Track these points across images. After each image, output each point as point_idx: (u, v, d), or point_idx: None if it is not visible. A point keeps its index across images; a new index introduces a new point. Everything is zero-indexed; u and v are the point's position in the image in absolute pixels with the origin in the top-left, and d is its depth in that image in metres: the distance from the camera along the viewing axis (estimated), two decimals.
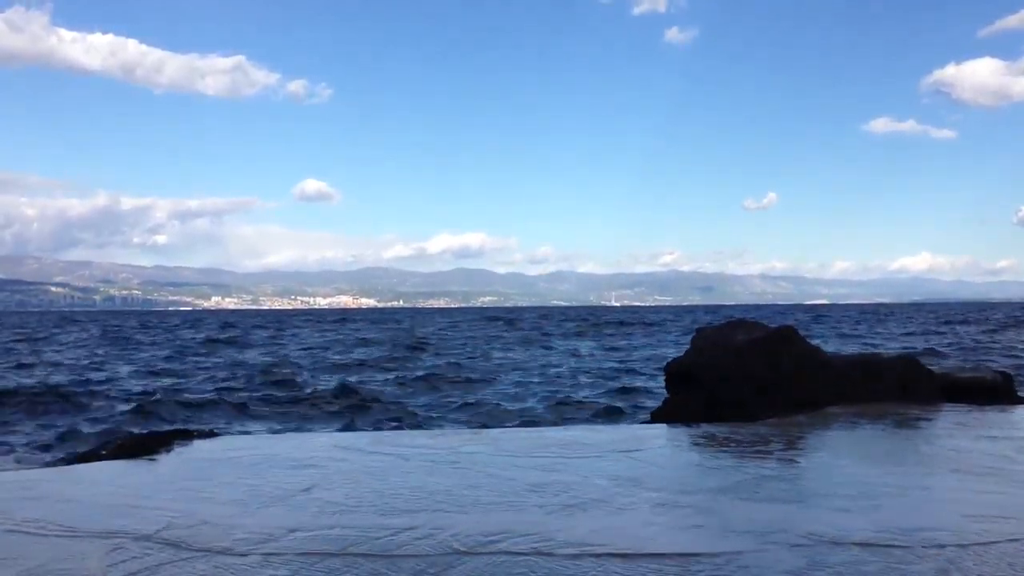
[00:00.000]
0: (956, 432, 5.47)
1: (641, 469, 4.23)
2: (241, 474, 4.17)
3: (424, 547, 2.88)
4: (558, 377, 16.98)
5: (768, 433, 5.32)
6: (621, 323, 49.19)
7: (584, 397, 13.45)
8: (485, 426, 9.93)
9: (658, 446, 5.14)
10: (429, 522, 3.19)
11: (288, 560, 2.75)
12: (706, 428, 5.63)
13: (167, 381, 16.86)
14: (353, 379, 16.48)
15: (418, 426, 10.93)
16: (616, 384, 15.14)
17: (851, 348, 22.15)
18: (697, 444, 5.17)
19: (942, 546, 2.85)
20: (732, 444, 4.97)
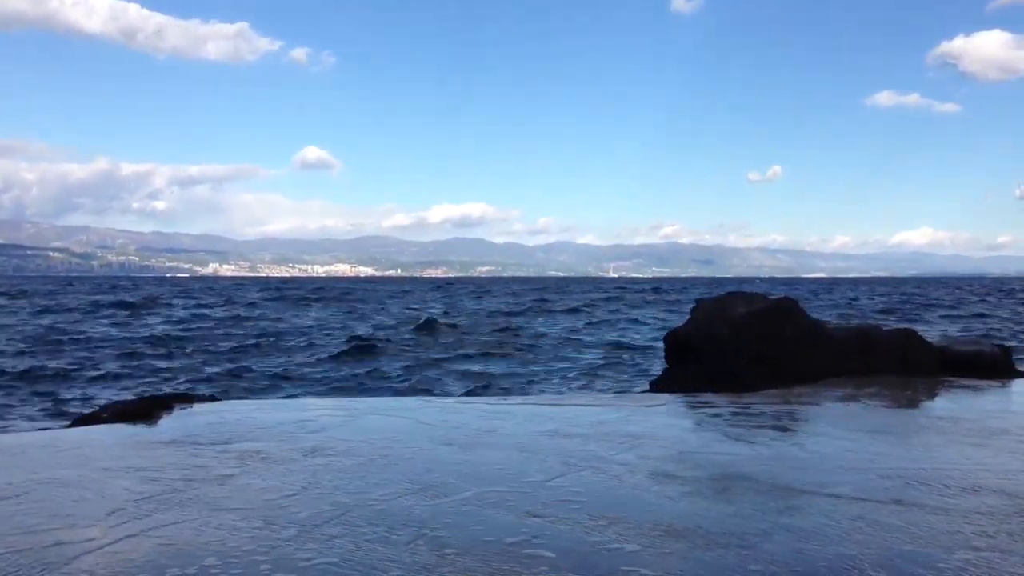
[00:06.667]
0: (952, 404, 5.50)
1: (638, 439, 4.24)
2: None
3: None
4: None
5: (767, 405, 5.33)
6: None
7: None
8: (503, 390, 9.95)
9: (657, 416, 5.15)
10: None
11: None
12: (705, 398, 5.64)
13: None
14: None
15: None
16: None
17: (852, 321, 22.19)
18: (695, 414, 5.18)
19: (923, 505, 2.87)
20: (731, 415, 4.98)
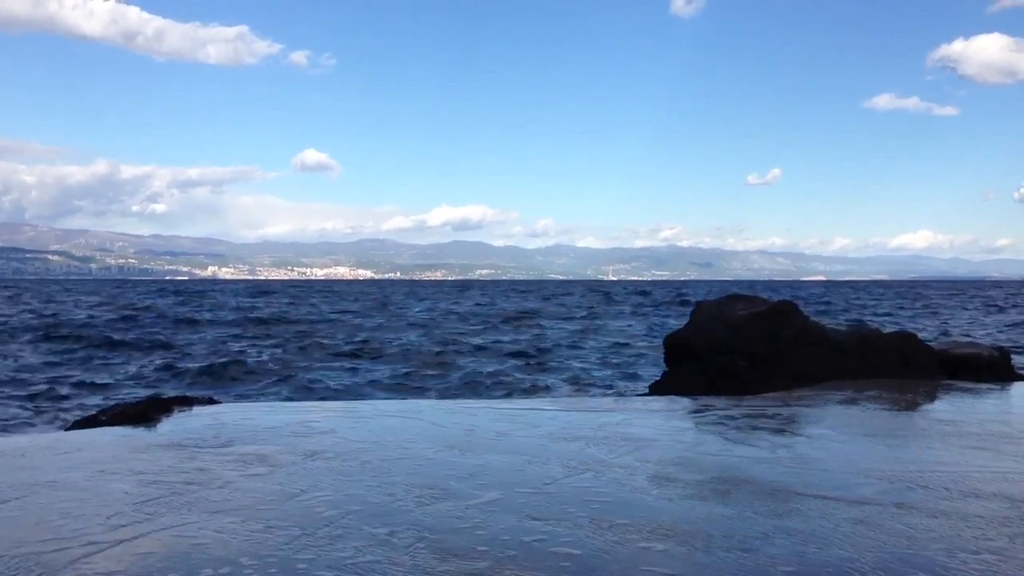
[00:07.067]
0: (952, 407, 5.50)
1: (639, 442, 4.24)
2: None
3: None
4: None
5: (768, 407, 5.33)
6: None
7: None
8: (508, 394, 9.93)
9: (657, 419, 5.14)
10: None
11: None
12: (705, 401, 5.64)
13: None
14: None
15: None
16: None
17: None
18: (696, 417, 5.17)
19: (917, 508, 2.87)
20: (731, 418, 4.98)
